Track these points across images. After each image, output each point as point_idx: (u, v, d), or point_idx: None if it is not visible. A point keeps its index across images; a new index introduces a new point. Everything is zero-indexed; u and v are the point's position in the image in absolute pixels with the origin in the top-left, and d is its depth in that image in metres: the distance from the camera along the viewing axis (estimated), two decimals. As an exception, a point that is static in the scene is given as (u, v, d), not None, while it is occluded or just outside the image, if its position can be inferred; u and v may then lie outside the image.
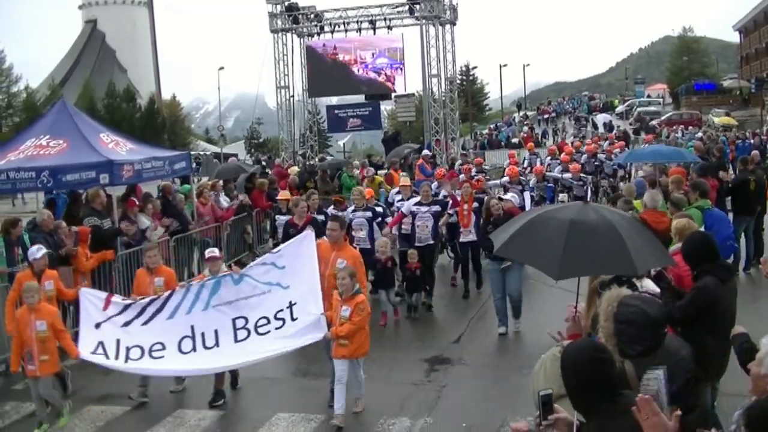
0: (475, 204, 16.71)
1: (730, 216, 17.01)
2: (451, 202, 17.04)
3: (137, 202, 17.11)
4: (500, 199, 13.81)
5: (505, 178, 21.91)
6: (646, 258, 6.94)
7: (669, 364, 4.96)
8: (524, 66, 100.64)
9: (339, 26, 45.85)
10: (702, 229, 11.05)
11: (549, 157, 29.77)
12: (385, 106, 57.59)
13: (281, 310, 10.11)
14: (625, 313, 5.14)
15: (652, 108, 77.61)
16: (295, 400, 11.28)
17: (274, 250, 11.10)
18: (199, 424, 10.46)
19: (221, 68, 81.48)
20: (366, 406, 10.73)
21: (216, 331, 10.15)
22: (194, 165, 25.53)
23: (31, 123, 21.71)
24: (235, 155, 47.03)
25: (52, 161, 14.76)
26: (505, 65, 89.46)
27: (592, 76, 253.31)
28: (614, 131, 55.04)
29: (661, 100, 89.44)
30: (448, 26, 45.90)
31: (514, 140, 55.21)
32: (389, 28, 45.33)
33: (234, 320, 10.22)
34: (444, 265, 19.56)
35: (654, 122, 64.36)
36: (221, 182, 23.35)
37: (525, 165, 29.74)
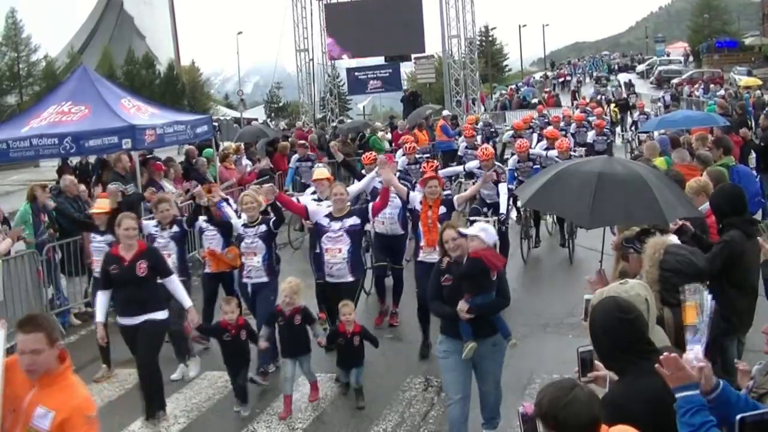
0: (442, 209, 10.63)
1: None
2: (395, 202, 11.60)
3: (163, 167, 17.20)
4: (460, 234, 7.78)
5: (474, 163, 15.47)
6: (675, 208, 6.96)
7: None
8: (543, 26, 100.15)
9: (357, -14, 45.40)
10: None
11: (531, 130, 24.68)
12: (405, 68, 57.23)
13: None
14: (671, 262, 5.11)
15: (673, 67, 76.77)
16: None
17: None
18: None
19: (240, 33, 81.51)
20: (392, 366, 10.78)
21: None
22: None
23: (52, 89, 21.77)
24: (255, 119, 46.89)
25: (74, 127, 14.79)
26: (524, 26, 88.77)
27: (611, 35, 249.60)
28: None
29: (682, 58, 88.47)
30: (466, -14, 45.49)
31: (534, 101, 54.58)
32: (407, -12, 44.87)
33: None
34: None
35: (675, 81, 63.54)
36: (243, 145, 23.45)
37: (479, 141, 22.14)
